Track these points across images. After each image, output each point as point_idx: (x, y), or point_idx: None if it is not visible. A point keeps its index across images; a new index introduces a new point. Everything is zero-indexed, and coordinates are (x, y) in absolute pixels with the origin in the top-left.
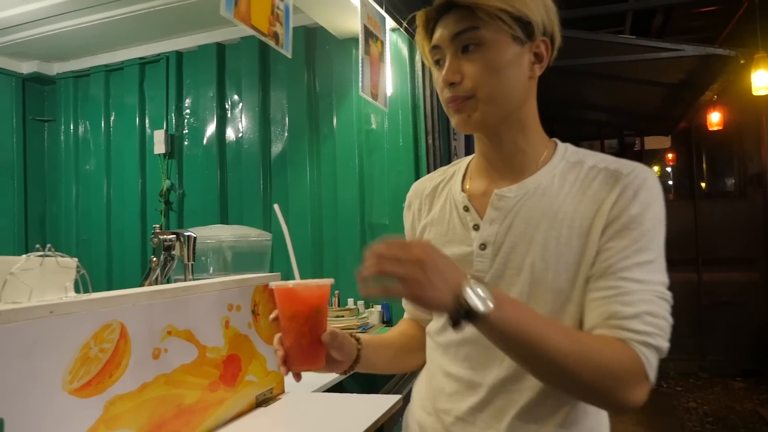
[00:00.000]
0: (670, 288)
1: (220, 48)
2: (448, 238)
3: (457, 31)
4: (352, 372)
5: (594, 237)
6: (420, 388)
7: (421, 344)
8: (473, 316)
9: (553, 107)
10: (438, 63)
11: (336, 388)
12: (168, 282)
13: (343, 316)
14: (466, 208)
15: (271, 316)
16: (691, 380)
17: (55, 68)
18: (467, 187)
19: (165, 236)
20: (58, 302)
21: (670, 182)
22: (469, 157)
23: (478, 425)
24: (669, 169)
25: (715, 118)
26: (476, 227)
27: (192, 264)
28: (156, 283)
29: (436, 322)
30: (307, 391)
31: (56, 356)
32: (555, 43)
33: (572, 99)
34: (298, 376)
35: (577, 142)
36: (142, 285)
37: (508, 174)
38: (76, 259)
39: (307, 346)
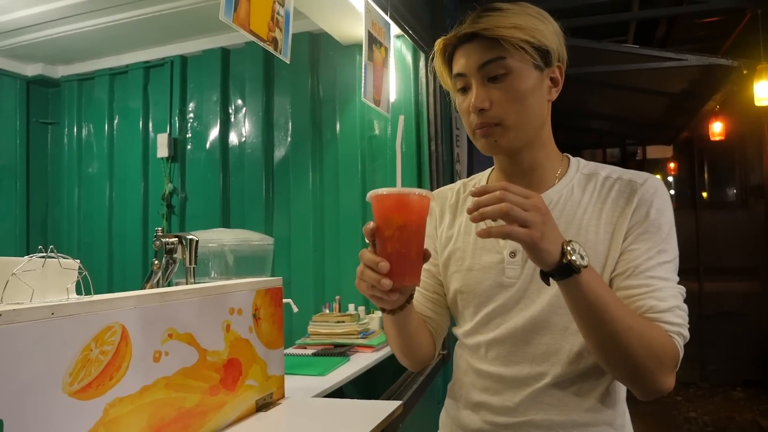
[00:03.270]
0: None
1: (225, 53)
2: (478, 246)
3: (484, 61)
4: (399, 312)
5: (617, 241)
6: (453, 385)
7: (428, 335)
8: (571, 271)
9: (555, 116)
10: (462, 90)
11: (336, 393)
12: (169, 285)
13: (344, 322)
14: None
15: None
16: (692, 390)
17: (60, 71)
18: None
19: (167, 239)
20: (60, 304)
21: (672, 192)
22: (488, 171)
23: (512, 414)
24: (671, 179)
25: (717, 128)
26: None
27: (194, 267)
28: (157, 286)
29: (463, 326)
30: (307, 396)
31: (57, 358)
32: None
33: (574, 107)
34: (395, 293)
35: (579, 151)
36: (143, 288)
37: (527, 188)
38: (78, 261)
39: (416, 258)
